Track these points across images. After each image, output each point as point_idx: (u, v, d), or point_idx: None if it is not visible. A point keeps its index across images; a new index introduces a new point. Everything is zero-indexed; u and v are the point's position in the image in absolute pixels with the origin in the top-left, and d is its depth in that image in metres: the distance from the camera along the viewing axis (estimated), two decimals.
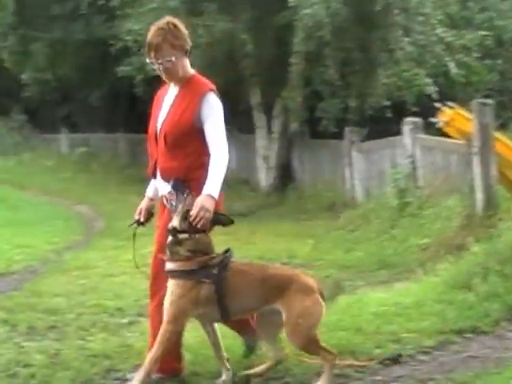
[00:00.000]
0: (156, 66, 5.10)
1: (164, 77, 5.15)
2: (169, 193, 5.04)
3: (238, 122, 20.92)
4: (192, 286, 4.85)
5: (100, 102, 25.03)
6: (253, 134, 18.91)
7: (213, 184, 4.88)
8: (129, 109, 25.62)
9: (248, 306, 5.01)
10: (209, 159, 4.95)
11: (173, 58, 5.01)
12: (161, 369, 5.05)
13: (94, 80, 24.30)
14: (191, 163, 5.00)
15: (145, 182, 18.96)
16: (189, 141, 5.00)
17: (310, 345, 4.89)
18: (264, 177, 18.42)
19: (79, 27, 22.65)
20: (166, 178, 5.09)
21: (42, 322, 6.78)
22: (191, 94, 5.06)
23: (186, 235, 4.91)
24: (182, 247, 4.91)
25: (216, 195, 4.87)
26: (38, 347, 6.00)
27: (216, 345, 5.14)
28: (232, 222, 5.06)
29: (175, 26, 5.05)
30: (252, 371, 5.14)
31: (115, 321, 6.89)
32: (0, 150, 27.35)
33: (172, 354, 5.08)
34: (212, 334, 5.13)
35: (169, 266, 4.96)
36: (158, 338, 4.84)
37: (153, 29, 5.07)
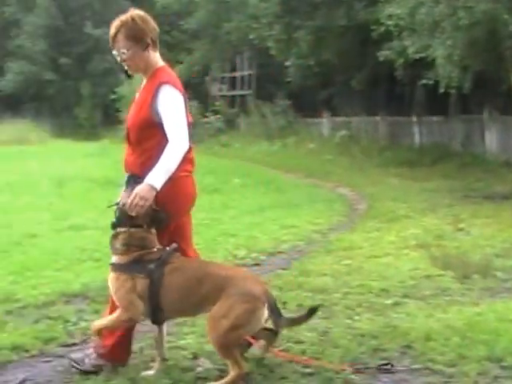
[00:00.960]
0: (118, 58, 5.08)
1: (127, 69, 5.13)
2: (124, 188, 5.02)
3: (498, 103, 20.42)
4: (126, 279, 4.82)
5: (360, 85, 25.28)
6: None
7: (156, 174, 4.74)
8: (388, 92, 25.70)
9: (186, 306, 4.84)
10: None
11: (126, 50, 4.99)
12: (110, 357, 5.13)
13: (354, 64, 24.59)
14: (147, 159, 4.87)
15: (404, 166, 18.96)
16: (147, 136, 4.92)
17: (223, 348, 4.69)
18: None
19: (341, 14, 23.00)
20: (127, 172, 5.08)
21: (311, 301, 6.85)
22: (150, 87, 5.00)
23: (123, 229, 4.88)
24: (117, 241, 4.90)
25: (158, 186, 4.73)
26: (308, 325, 5.98)
27: (158, 342, 5.15)
28: (168, 220, 4.92)
29: (133, 19, 4.99)
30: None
31: (380, 301, 6.90)
32: (265, 135, 28.43)
33: (123, 345, 5.17)
34: (159, 331, 5.12)
35: (111, 258, 5.00)
36: (112, 317, 4.93)
37: (114, 21, 5.06)
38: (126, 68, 5.13)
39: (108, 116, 35.50)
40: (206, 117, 32.15)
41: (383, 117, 25.46)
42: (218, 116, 32.08)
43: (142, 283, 4.78)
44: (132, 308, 4.84)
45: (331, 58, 24.68)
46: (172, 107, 4.88)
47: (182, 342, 5.73)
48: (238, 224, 11.73)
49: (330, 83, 28.27)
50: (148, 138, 4.92)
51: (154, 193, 4.74)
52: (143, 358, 5.31)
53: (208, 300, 4.72)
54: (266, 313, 4.75)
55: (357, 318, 6.39)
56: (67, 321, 6.19)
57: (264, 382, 4.93)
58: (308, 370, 5.09)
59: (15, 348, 5.56)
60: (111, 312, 5.08)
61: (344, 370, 5.03)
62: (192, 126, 5.14)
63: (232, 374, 4.72)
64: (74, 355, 5.23)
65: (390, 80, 24.23)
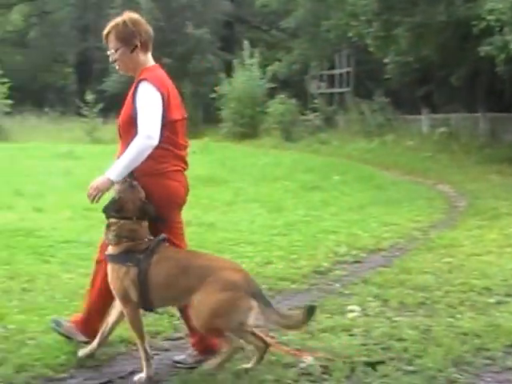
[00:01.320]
0: (110, 58, 5.26)
1: (118, 68, 5.31)
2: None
3: None
4: (120, 269, 4.96)
5: (460, 81, 24.89)
6: None
7: (116, 168, 4.95)
8: (489, 88, 25.23)
9: (170, 295, 4.96)
10: (155, 151, 4.95)
11: (114, 50, 5.20)
12: (204, 352, 5.26)
13: (454, 60, 24.21)
14: None
15: (505, 163, 18.63)
16: (131, 131, 5.02)
17: (211, 331, 4.86)
18: None
19: (441, 9, 22.66)
20: None
21: (412, 298, 6.91)
22: (134, 85, 5.14)
23: (114, 220, 5.03)
24: (109, 232, 5.04)
25: (114, 178, 4.92)
26: (409, 322, 6.15)
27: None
28: (154, 215, 5.03)
29: (124, 22, 5.20)
30: (248, 365, 5.09)
31: (483, 300, 6.86)
32: (364, 132, 28.31)
33: (207, 339, 5.23)
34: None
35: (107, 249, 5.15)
36: (127, 322, 5.11)
37: (110, 22, 5.27)
38: (117, 67, 5.34)
39: (209, 114, 35.87)
40: (305, 114, 32.19)
41: (483, 113, 25.01)
42: (317, 114, 32.03)
43: (132, 271, 4.94)
44: (127, 297, 5.00)
45: (430, 54, 24.35)
46: (145, 103, 5.01)
47: (284, 338, 5.78)
48: (338, 221, 11.75)
49: (428, 80, 27.94)
50: (132, 133, 5.03)
51: (110, 185, 4.95)
52: (246, 353, 5.40)
53: (191, 290, 4.83)
54: (251, 301, 4.78)
55: (459, 316, 6.36)
56: (172, 315, 6.30)
57: (366, 379, 4.98)
58: (410, 368, 5.11)
59: (123, 341, 5.72)
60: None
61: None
62: (184, 124, 5.31)
63: (228, 348, 4.90)
64: (177, 358, 5.39)
65: (490, 76, 23.80)
